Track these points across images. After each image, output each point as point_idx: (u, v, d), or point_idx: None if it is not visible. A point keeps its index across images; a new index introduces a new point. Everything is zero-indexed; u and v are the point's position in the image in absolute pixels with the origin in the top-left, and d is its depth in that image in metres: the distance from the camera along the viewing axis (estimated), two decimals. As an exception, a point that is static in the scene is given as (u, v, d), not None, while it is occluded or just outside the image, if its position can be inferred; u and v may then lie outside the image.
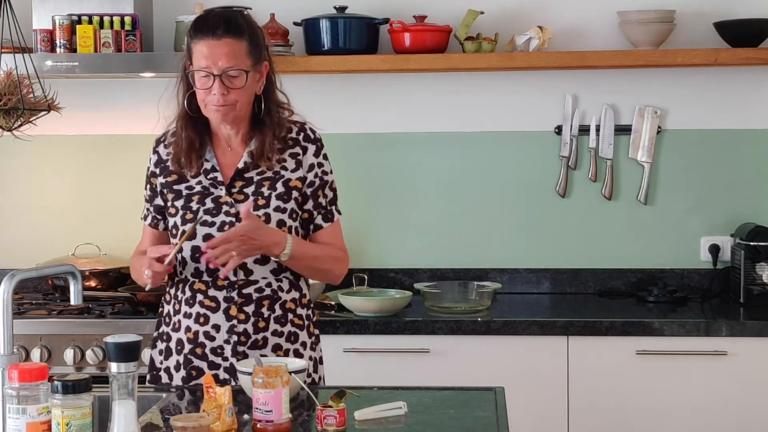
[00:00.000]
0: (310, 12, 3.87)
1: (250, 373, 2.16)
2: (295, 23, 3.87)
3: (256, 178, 2.64)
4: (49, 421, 1.81)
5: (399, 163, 4.02)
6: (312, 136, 2.72)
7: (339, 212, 2.74)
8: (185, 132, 2.65)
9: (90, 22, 3.74)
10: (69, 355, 3.44)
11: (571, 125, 3.96)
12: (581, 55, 3.78)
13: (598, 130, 3.96)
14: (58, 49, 3.72)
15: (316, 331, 2.76)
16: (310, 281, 2.86)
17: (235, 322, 2.61)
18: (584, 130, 3.96)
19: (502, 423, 2.19)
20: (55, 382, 1.80)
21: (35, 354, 3.45)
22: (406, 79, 3.99)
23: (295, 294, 2.67)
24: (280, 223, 2.61)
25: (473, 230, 4.02)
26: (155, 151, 2.74)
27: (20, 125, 2.77)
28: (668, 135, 3.95)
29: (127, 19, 3.74)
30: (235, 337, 2.60)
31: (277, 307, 2.63)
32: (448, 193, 4.02)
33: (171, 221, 2.67)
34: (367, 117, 4.02)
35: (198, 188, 2.65)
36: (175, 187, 2.68)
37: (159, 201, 2.72)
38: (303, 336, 2.68)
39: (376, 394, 2.39)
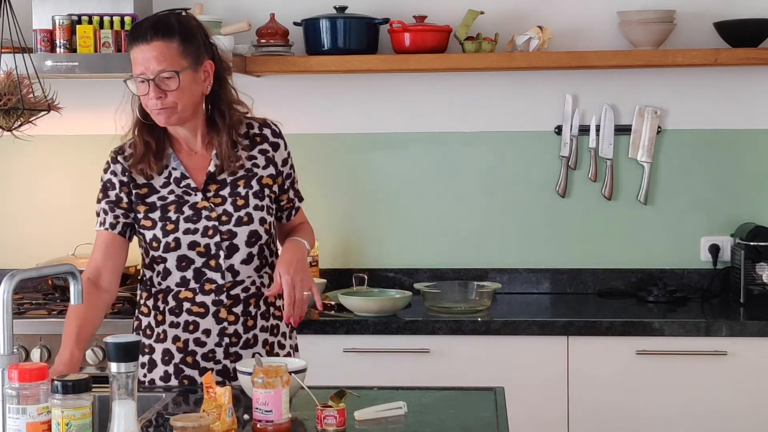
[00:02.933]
0: (310, 12, 3.87)
1: (250, 373, 2.16)
2: (295, 23, 3.87)
3: (229, 179, 2.65)
4: (49, 421, 1.81)
5: (399, 163, 4.02)
6: (278, 131, 2.75)
7: None
8: (141, 137, 2.64)
9: (90, 22, 3.74)
10: (69, 355, 3.44)
11: (571, 125, 3.96)
12: (581, 55, 3.78)
13: (598, 130, 3.96)
14: (58, 49, 3.72)
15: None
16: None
17: (225, 324, 2.62)
18: (584, 130, 3.96)
19: (502, 423, 2.19)
20: (55, 382, 1.80)
21: (35, 354, 3.45)
22: (406, 79, 3.99)
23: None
24: (262, 221, 2.64)
25: (473, 230, 4.02)
26: (117, 162, 2.67)
27: (20, 125, 2.76)
28: (668, 135, 3.95)
29: (127, 19, 3.74)
30: (226, 339, 2.62)
31: (261, 303, 2.68)
32: (448, 193, 4.02)
33: (149, 234, 2.64)
34: (367, 117, 4.02)
35: (171, 197, 2.64)
36: (148, 199, 2.65)
37: (125, 210, 2.67)
38: (282, 326, 2.74)
39: (376, 394, 2.39)
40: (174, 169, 2.65)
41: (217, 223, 2.61)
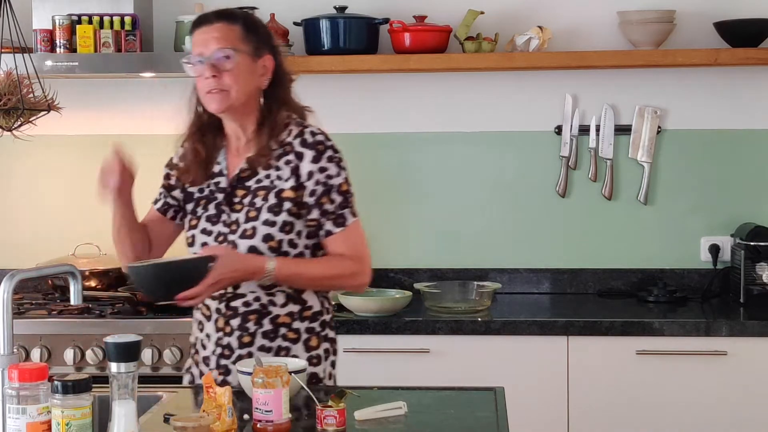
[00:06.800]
0: (310, 12, 3.87)
1: (250, 373, 2.16)
2: (295, 23, 3.87)
3: (253, 187, 2.56)
4: (49, 421, 1.81)
5: (399, 163, 4.02)
6: (310, 140, 2.55)
7: (354, 215, 2.59)
8: (191, 143, 2.63)
9: (90, 22, 3.74)
10: (69, 355, 3.44)
11: (571, 125, 3.96)
12: (581, 55, 3.78)
13: (598, 130, 3.96)
14: (58, 49, 3.72)
15: (326, 345, 2.62)
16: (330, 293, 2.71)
17: (221, 334, 2.56)
18: (584, 130, 3.96)
19: (502, 423, 2.19)
20: (55, 382, 1.80)
21: (35, 354, 3.45)
22: (406, 79, 3.99)
23: (293, 307, 2.56)
24: (267, 238, 2.51)
25: (473, 230, 4.02)
26: (182, 146, 2.69)
27: (20, 125, 2.77)
28: (668, 135, 3.95)
29: (127, 19, 3.74)
30: (219, 350, 2.56)
31: (266, 321, 2.54)
32: (448, 193, 4.02)
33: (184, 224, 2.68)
34: (367, 117, 4.02)
35: (206, 192, 2.62)
36: (189, 189, 2.65)
37: (171, 199, 2.70)
38: (297, 350, 2.56)
39: (376, 394, 2.39)
40: (218, 163, 2.62)
41: (228, 231, 2.56)
